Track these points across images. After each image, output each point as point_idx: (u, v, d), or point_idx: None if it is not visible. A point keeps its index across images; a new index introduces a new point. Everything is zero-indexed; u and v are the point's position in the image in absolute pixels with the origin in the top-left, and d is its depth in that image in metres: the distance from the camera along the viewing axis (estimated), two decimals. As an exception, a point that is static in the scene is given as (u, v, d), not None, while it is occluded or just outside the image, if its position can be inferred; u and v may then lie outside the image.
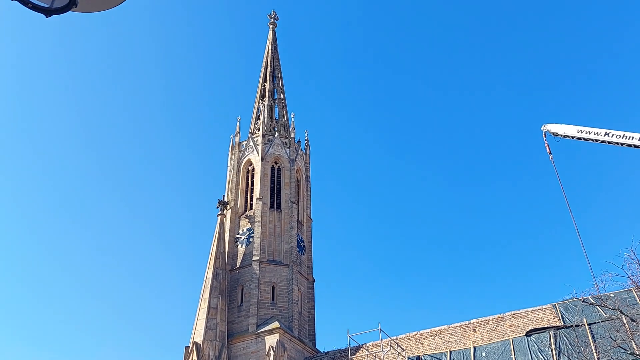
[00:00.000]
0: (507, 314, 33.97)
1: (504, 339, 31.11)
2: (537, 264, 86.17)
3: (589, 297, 28.64)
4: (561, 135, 25.76)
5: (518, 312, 33.69)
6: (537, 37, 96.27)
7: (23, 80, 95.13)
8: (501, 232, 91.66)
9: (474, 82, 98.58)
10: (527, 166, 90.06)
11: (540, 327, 30.75)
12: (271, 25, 53.97)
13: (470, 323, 34.59)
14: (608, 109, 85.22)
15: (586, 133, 24.34)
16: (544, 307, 33.15)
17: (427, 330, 35.65)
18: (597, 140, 24.12)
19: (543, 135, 26.85)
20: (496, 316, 34.17)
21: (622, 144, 23.38)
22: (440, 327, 35.36)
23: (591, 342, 27.26)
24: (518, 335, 31.02)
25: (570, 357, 27.16)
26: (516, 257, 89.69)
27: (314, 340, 40.35)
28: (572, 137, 25.27)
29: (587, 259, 24.44)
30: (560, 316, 31.13)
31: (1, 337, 79.01)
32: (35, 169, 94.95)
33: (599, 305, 23.28)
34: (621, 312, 20.40)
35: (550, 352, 28.28)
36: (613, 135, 23.41)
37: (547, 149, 26.65)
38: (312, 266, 43.27)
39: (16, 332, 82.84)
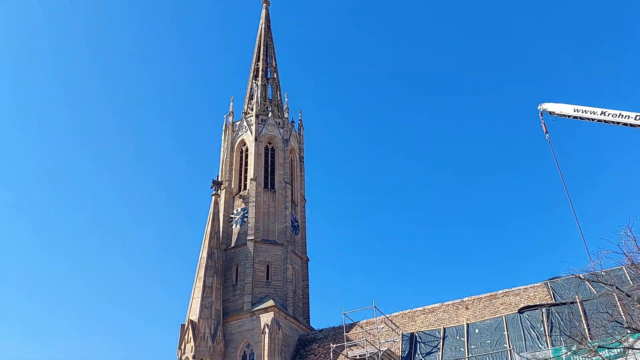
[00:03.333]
0: (500, 292, 34.46)
1: (497, 316, 31.58)
2: (529, 243, 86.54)
3: (585, 273, 29.16)
4: (558, 114, 25.97)
5: (510, 290, 34.20)
6: (534, 17, 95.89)
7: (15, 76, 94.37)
8: (494, 211, 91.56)
9: (470, 59, 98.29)
10: (522, 145, 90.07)
11: (532, 304, 31.22)
12: (264, 4, 53.51)
13: (462, 301, 35.07)
14: (605, 89, 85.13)
15: (582, 112, 24.58)
16: (535, 285, 33.65)
17: (420, 308, 36.13)
18: (593, 119, 24.37)
19: (540, 114, 27.04)
20: (488, 294, 34.65)
21: (618, 123, 23.64)
22: (433, 305, 35.85)
23: (583, 319, 27.75)
24: (510, 312, 31.50)
25: (562, 333, 27.63)
26: (509, 236, 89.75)
27: (308, 318, 40.72)
28: (569, 116, 25.50)
29: (582, 236, 24.73)
30: (551, 294, 31.64)
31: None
32: (30, 150, 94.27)
33: (593, 281, 23.64)
34: (617, 287, 20.80)
35: (542, 329, 28.75)
36: (609, 114, 23.66)
37: (544, 128, 26.88)
38: (306, 246, 43.45)
39: (14, 311, 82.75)
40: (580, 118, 24.84)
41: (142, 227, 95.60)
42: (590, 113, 24.13)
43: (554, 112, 25.99)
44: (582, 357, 22.62)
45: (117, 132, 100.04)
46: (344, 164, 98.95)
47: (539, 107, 26.76)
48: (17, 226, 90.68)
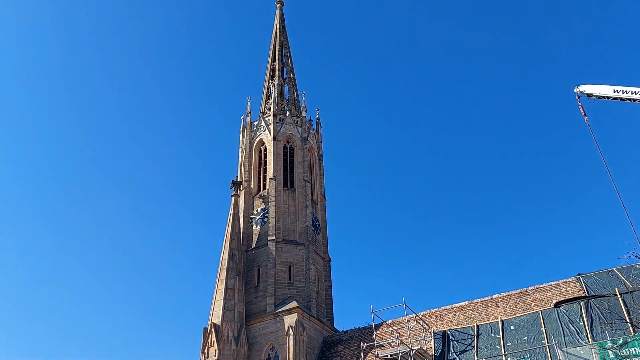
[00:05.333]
0: (530, 288, 33.41)
1: (531, 312, 30.42)
2: (557, 239, 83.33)
3: (619, 267, 27.92)
4: (596, 96, 24.89)
5: (541, 286, 33.13)
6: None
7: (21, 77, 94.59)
8: (522, 206, 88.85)
9: (499, 42, 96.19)
10: (549, 139, 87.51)
11: (567, 298, 30.09)
12: (278, 5, 53.08)
13: (492, 298, 34.02)
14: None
15: (623, 92, 23.53)
16: (567, 280, 32.57)
17: (448, 307, 35.14)
18: (635, 100, 23.32)
19: (577, 97, 25.98)
20: (519, 291, 33.61)
21: (662, 104, 22.61)
22: (461, 303, 34.81)
23: (624, 312, 26.61)
24: (545, 308, 30.37)
25: (603, 327, 26.45)
26: (538, 231, 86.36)
27: (332, 320, 39.74)
28: (608, 98, 24.41)
29: (630, 224, 23.41)
30: (584, 288, 30.48)
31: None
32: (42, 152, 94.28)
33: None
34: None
35: (582, 323, 27.60)
36: (653, 94, 22.61)
37: (582, 111, 25.77)
38: (327, 245, 42.56)
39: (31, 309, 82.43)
40: (621, 99, 23.78)
41: (162, 231, 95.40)
42: (632, 93, 23.09)
43: (592, 94, 24.90)
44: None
45: (134, 134, 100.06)
46: (364, 161, 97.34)
47: (575, 90, 25.65)
48: (37, 228, 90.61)
